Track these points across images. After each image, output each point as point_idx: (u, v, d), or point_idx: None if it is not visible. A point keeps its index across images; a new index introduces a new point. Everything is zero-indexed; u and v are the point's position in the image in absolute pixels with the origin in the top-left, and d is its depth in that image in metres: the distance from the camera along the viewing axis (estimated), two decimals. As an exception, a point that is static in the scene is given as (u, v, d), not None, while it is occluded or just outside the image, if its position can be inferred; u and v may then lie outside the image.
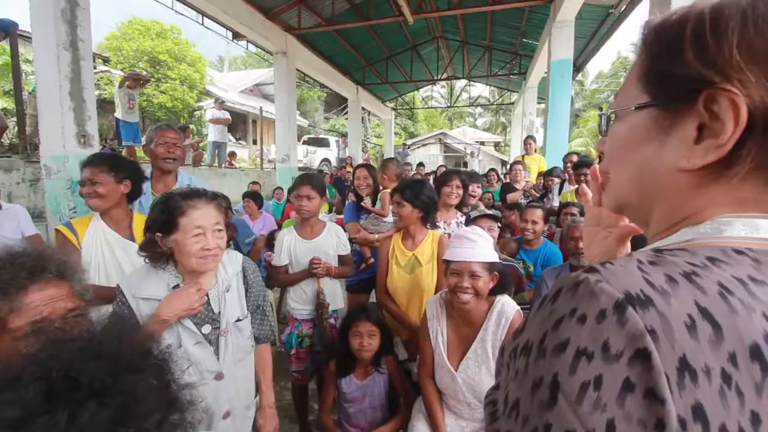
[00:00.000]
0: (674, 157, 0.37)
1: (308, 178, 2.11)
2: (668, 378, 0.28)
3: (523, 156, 6.12)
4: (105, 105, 10.04)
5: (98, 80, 10.58)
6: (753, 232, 0.34)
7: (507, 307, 1.50)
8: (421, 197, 1.96)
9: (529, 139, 6.30)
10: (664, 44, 0.38)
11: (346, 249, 2.17)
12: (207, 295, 1.23)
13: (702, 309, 0.29)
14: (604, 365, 0.29)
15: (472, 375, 1.47)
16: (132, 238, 1.68)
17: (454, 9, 8.19)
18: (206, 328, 1.21)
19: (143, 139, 3.44)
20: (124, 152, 6.63)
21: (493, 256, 1.51)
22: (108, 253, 1.63)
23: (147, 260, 1.19)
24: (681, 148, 0.36)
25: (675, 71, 0.37)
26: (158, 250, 1.16)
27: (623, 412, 0.28)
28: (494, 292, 1.52)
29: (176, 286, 1.19)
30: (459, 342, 1.54)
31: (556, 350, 0.32)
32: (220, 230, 1.19)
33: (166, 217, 1.14)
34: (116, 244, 1.65)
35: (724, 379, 0.28)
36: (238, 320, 1.28)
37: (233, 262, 1.33)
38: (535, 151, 6.25)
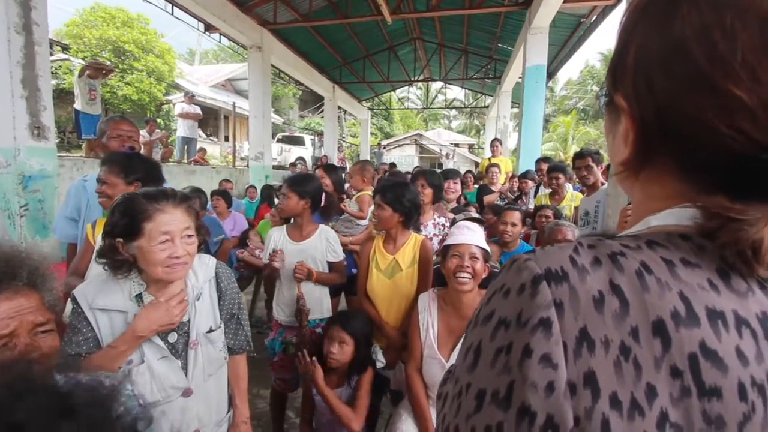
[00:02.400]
0: (614, 150, 0.40)
1: (290, 178, 2.09)
2: (566, 346, 0.30)
3: (489, 158, 6.26)
4: (64, 95, 9.46)
5: (56, 69, 9.96)
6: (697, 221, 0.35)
7: None
8: (403, 201, 1.89)
9: (495, 142, 6.44)
10: (615, 48, 0.40)
11: (336, 255, 2.08)
12: None
13: (614, 285, 0.31)
14: (515, 333, 0.32)
15: None
16: None
17: (432, 11, 8.24)
18: (172, 337, 1.11)
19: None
20: (83, 146, 6.25)
21: (487, 247, 1.61)
22: None
23: (106, 268, 1.07)
24: (615, 143, 0.39)
25: (607, 73, 0.41)
26: (119, 257, 1.04)
27: (521, 375, 0.30)
28: (484, 285, 1.58)
29: (139, 295, 1.08)
30: (449, 334, 1.56)
31: (485, 320, 0.35)
32: (190, 236, 1.09)
33: (128, 221, 1.03)
34: None
35: (622, 351, 0.29)
36: (210, 331, 1.17)
37: (205, 267, 1.22)
38: (501, 153, 6.40)
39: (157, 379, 1.06)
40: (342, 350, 1.65)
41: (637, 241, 0.34)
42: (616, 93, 0.37)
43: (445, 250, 1.59)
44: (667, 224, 0.35)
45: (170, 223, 1.04)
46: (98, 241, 1.43)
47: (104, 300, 1.06)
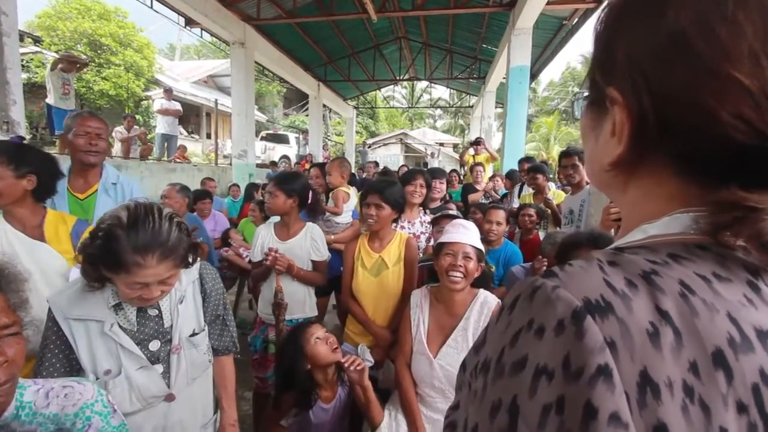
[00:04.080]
0: (602, 151, 0.38)
1: (277, 176, 2.04)
2: (628, 396, 0.25)
3: (473, 156, 6.33)
4: (36, 90, 9.10)
5: (28, 62, 9.56)
6: (700, 227, 0.33)
7: (489, 298, 1.57)
8: (398, 198, 1.91)
9: (478, 139, 6.54)
10: (595, 43, 0.39)
11: (320, 254, 2.06)
12: (158, 308, 1.08)
13: (663, 312, 0.27)
14: (565, 385, 0.26)
15: (451, 362, 1.49)
16: (42, 239, 1.44)
17: (417, 10, 8.25)
18: (154, 345, 1.06)
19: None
20: (57, 142, 6.02)
21: (482, 247, 1.59)
22: (11, 257, 1.39)
23: (84, 280, 1.00)
24: (604, 144, 0.37)
25: (591, 71, 0.39)
26: (95, 275, 0.97)
27: None
28: (476, 284, 1.58)
29: (117, 305, 1.03)
30: (440, 331, 1.57)
31: (515, 369, 0.29)
32: (168, 279, 0.99)
33: (106, 258, 0.92)
34: (21, 247, 1.39)
35: (686, 393, 0.25)
36: (194, 334, 1.13)
37: (189, 269, 1.17)
38: (483, 151, 6.47)
39: (136, 389, 1.02)
40: (378, 213, 1.79)
41: (657, 254, 0.31)
42: (608, 87, 0.35)
43: (439, 248, 1.59)
44: (670, 233, 0.33)
45: (148, 278, 0.93)
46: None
47: (80, 310, 1.00)
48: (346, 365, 1.45)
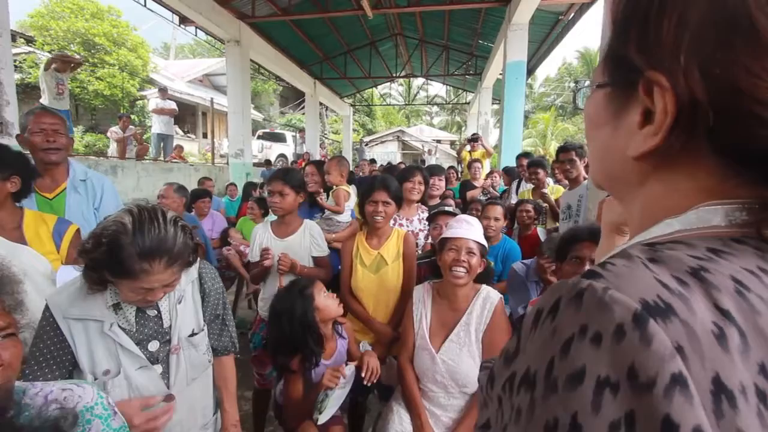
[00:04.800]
0: (622, 142, 0.35)
1: (281, 173, 1.99)
2: (704, 407, 0.22)
3: (470, 152, 6.32)
4: (29, 90, 9.02)
5: (20, 62, 9.48)
6: (736, 220, 0.31)
7: (491, 294, 1.58)
8: (399, 194, 1.95)
9: (474, 135, 6.57)
10: (621, 18, 0.35)
11: (321, 250, 2.05)
12: (157, 308, 1.07)
13: (724, 312, 0.25)
14: (634, 399, 0.23)
15: (453, 357, 1.50)
16: (22, 240, 1.39)
17: (413, 6, 8.21)
18: (153, 345, 1.05)
19: (73, 129, 3.05)
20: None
21: (485, 242, 1.61)
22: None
23: (83, 281, 0.99)
24: (627, 134, 0.35)
25: (621, 53, 0.35)
26: (96, 279, 0.97)
27: None
28: (478, 280, 1.60)
29: (117, 305, 1.02)
30: (442, 326, 1.58)
31: (571, 382, 0.26)
32: (172, 283, 1.00)
33: (111, 266, 0.91)
34: (2, 251, 1.29)
35: (760, 398, 0.23)
36: (193, 334, 1.12)
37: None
38: (480, 148, 6.48)
39: (135, 390, 1.01)
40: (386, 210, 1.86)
41: (695, 249, 0.29)
42: (650, 70, 0.31)
43: (443, 243, 1.59)
44: (701, 226, 0.31)
45: (154, 283, 0.94)
46: None
47: (79, 309, 0.99)
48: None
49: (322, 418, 1.41)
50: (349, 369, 1.52)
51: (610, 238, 0.58)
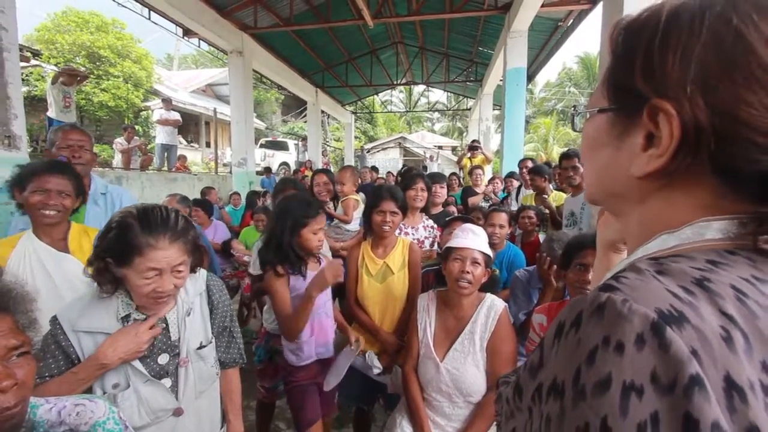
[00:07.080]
0: (625, 163, 0.38)
1: (292, 183, 2.04)
2: (719, 403, 0.25)
3: (470, 159, 6.34)
4: (36, 103, 9.14)
5: (27, 75, 9.61)
6: (729, 234, 0.34)
7: (496, 302, 1.58)
8: (405, 204, 1.95)
9: (474, 143, 6.62)
10: (623, 50, 0.39)
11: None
12: (165, 321, 1.09)
13: (728, 316, 0.27)
14: (658, 400, 0.26)
15: (457, 366, 1.50)
16: (66, 251, 1.51)
17: (413, 15, 8.29)
18: (163, 358, 1.06)
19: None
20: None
21: (490, 252, 1.60)
22: (39, 270, 1.43)
23: (95, 283, 1.02)
24: (629, 155, 0.37)
25: (626, 81, 0.38)
26: (107, 277, 1.00)
27: None
28: (484, 289, 1.60)
29: (127, 317, 1.04)
30: (446, 335, 1.57)
31: (599, 388, 0.28)
32: (180, 270, 1.03)
33: (120, 248, 0.97)
34: (50, 260, 1.45)
35: (766, 393, 0.26)
36: (201, 347, 1.14)
37: (196, 280, 1.18)
38: (480, 154, 6.50)
39: (145, 402, 1.02)
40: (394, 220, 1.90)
41: (695, 261, 0.32)
42: (657, 98, 0.34)
43: (448, 252, 1.60)
44: (698, 240, 0.34)
45: (162, 261, 0.97)
46: (23, 257, 1.43)
47: (88, 322, 1.01)
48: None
49: (328, 385, 1.64)
50: (356, 343, 1.67)
51: (607, 257, 0.59)
